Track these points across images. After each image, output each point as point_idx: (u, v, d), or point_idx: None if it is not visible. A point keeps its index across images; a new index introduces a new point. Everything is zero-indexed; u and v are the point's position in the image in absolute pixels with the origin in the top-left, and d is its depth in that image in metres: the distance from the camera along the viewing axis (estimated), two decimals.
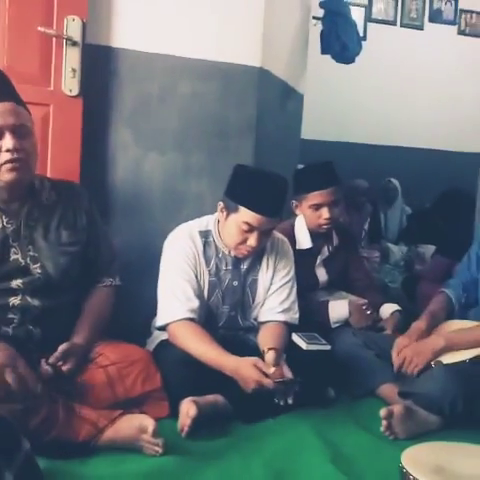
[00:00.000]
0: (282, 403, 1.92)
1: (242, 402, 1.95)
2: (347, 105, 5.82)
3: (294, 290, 2.30)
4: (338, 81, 5.59)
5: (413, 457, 1.59)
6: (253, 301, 2.25)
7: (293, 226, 2.63)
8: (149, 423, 1.74)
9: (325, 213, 2.55)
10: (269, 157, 2.85)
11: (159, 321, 2.14)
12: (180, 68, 2.61)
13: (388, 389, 2.21)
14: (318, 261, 2.69)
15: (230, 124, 2.69)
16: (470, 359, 2.07)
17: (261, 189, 2.05)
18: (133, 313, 2.34)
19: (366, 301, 2.60)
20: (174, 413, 1.94)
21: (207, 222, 2.24)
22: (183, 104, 2.64)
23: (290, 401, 1.92)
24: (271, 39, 2.80)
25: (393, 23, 6.19)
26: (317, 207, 2.55)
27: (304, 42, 3.59)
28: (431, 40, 6.20)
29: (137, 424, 1.75)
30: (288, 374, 1.92)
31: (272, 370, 1.89)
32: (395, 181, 5.37)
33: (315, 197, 2.55)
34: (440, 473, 1.50)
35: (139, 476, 1.64)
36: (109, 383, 1.89)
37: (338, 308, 2.55)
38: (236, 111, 2.69)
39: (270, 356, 1.98)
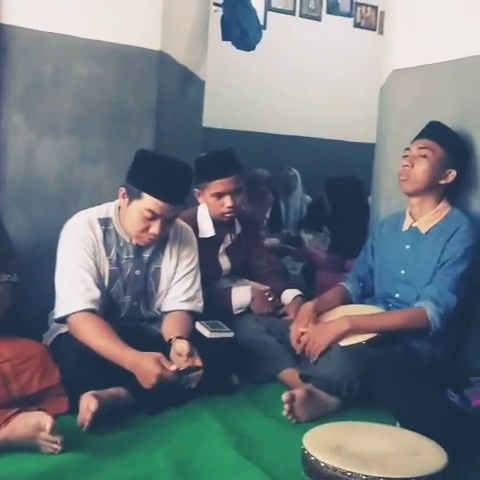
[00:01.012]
0: (187, 388, 1.91)
1: (145, 394, 1.91)
2: (248, 94, 5.86)
3: (198, 279, 2.28)
4: (239, 69, 5.62)
5: (314, 438, 1.63)
6: (156, 290, 2.22)
7: (196, 214, 2.61)
8: (46, 420, 1.67)
9: (227, 201, 2.54)
10: (170, 144, 2.80)
11: (58, 312, 2.06)
12: (75, 48, 2.51)
13: (290, 374, 2.26)
14: (221, 249, 2.69)
15: (129, 108, 2.62)
16: (366, 341, 2.15)
17: (165, 175, 2.01)
18: (28, 308, 2.23)
19: (268, 287, 2.64)
20: (75, 408, 1.87)
21: (107, 209, 2.17)
22: (79, 86, 2.53)
23: (193, 385, 1.92)
24: (171, 22, 2.75)
25: (292, 13, 6.30)
26: (219, 195, 2.55)
27: (204, 27, 3.56)
28: (328, 31, 6.36)
29: (34, 422, 1.68)
30: (197, 362, 1.92)
31: (173, 367, 1.86)
32: (295, 170, 5.48)
33: (217, 185, 2.54)
34: (338, 452, 1.55)
35: (36, 476, 1.58)
36: (3, 381, 1.80)
37: (240, 295, 2.57)
38: (135, 95, 2.62)
39: (184, 345, 1.95)
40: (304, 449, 1.58)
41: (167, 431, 1.88)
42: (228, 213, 2.57)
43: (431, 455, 1.56)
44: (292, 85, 6.11)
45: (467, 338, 2.32)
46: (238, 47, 3.93)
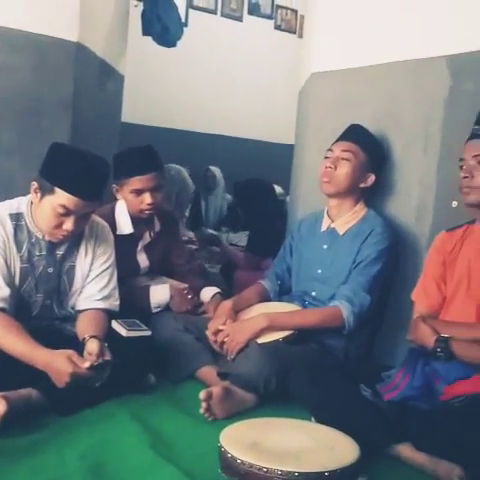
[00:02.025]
0: (97, 385, 1.87)
1: (57, 394, 1.85)
2: (170, 90, 5.81)
3: (114, 276, 2.23)
4: (161, 66, 5.56)
5: (230, 435, 1.64)
6: (70, 289, 2.15)
7: (114, 210, 2.56)
8: None
9: (147, 198, 2.50)
10: (86, 138, 2.73)
11: None
12: None
13: (207, 371, 2.25)
14: (139, 246, 2.65)
15: (44, 100, 2.53)
16: (283, 338, 2.18)
17: (80, 170, 1.94)
18: None
19: (187, 285, 2.62)
20: None
21: (19, 204, 2.08)
22: None
23: (98, 384, 1.88)
24: (89, 14, 2.68)
25: (214, 12, 6.30)
26: (139, 192, 2.50)
27: (124, 21, 3.50)
28: (250, 32, 6.41)
29: None
30: (107, 357, 1.88)
31: (86, 364, 1.81)
32: (215, 169, 5.48)
33: (137, 182, 2.49)
34: (255, 448, 1.56)
35: None
36: None
37: (159, 293, 2.54)
38: (50, 87, 2.53)
39: (93, 345, 1.90)
40: (221, 446, 1.58)
41: (80, 432, 1.82)
42: (147, 210, 2.53)
43: (345, 449, 1.60)
44: (214, 83, 6.11)
45: (379, 335, 2.40)
46: (159, 43, 3.87)
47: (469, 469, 1.57)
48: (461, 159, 1.94)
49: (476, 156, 1.88)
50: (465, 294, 1.91)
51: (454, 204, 2.17)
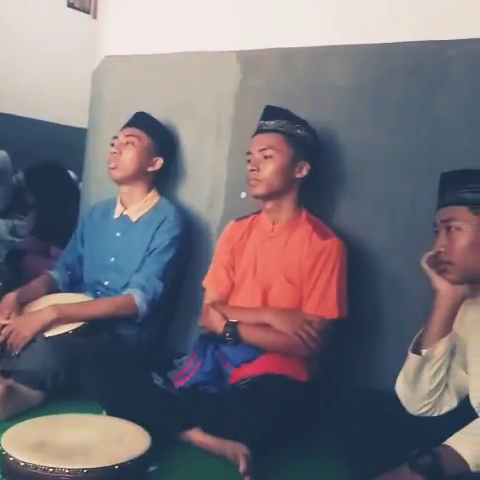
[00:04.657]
0: None
1: None
2: None
3: None
4: None
5: (13, 437, 1.54)
6: None
7: None
8: None
9: None
10: None
11: None
12: None
13: None
14: None
15: None
16: (73, 330, 2.09)
17: None
18: None
19: None
20: None
21: None
22: None
23: None
24: None
25: None
26: None
27: None
28: (41, 5, 6.01)
29: None
30: None
31: None
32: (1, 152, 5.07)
33: None
34: (40, 448, 1.48)
35: None
36: None
37: None
38: None
39: None
40: (1, 450, 1.46)
41: None
42: None
43: (135, 439, 1.59)
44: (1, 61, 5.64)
45: (173, 323, 2.43)
46: None
47: (254, 447, 1.65)
48: (248, 152, 2.02)
49: (262, 150, 1.97)
50: (252, 281, 2.01)
51: (243, 195, 2.27)
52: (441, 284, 1.50)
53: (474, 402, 1.46)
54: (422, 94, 1.99)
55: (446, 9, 1.94)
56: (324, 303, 1.87)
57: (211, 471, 1.67)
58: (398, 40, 2.02)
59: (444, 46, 1.94)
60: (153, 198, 2.38)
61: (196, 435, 1.75)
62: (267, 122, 2.02)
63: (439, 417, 1.51)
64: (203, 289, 2.13)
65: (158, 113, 2.40)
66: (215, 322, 1.93)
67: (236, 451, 1.64)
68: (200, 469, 1.68)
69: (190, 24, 2.46)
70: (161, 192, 2.41)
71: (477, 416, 1.41)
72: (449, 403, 1.52)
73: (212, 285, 2.09)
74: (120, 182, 2.36)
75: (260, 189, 1.97)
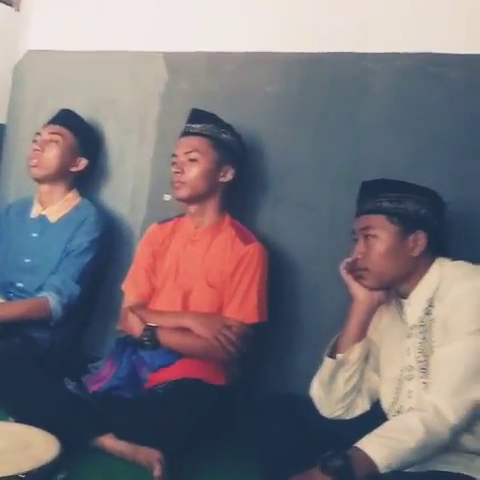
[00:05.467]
0: None
1: None
2: None
3: None
4: None
5: None
6: None
7: None
8: None
9: None
10: None
11: None
12: None
13: None
14: None
15: None
16: None
17: None
18: None
19: None
20: None
21: None
22: None
23: None
24: None
25: None
26: None
27: None
28: None
29: None
30: None
31: None
32: None
33: None
34: None
35: None
36: None
37: None
38: None
39: None
40: None
41: None
42: None
43: (43, 447, 1.53)
44: None
45: (90, 327, 2.36)
46: None
47: (169, 452, 1.62)
48: (173, 155, 2.00)
49: (187, 153, 1.96)
50: (173, 284, 1.99)
51: (166, 198, 2.25)
52: (358, 290, 1.53)
53: (385, 405, 1.50)
54: (345, 104, 2.04)
55: (369, 22, 2.00)
56: (244, 307, 1.87)
57: (124, 478, 1.63)
58: (324, 50, 2.06)
59: (366, 58, 2.00)
60: (73, 199, 2.31)
61: (109, 441, 1.70)
62: (193, 125, 2.01)
63: (351, 420, 1.54)
64: (122, 293, 2.08)
65: (81, 111, 2.35)
66: (133, 326, 1.89)
67: (150, 457, 1.61)
68: (113, 476, 1.63)
69: (117, 23, 2.42)
70: (82, 193, 2.35)
71: (387, 419, 1.44)
72: (361, 406, 1.55)
73: (132, 288, 2.04)
74: (40, 181, 2.29)
75: (184, 192, 1.96)
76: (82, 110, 2.36)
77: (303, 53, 2.09)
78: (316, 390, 1.56)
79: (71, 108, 2.34)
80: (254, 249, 1.92)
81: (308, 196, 2.07)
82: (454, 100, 1.88)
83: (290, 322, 2.06)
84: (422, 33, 1.91)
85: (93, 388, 1.79)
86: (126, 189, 2.37)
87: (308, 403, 1.56)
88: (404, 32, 1.94)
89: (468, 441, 1.35)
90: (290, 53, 2.11)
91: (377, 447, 1.25)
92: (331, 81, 2.06)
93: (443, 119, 1.89)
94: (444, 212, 1.56)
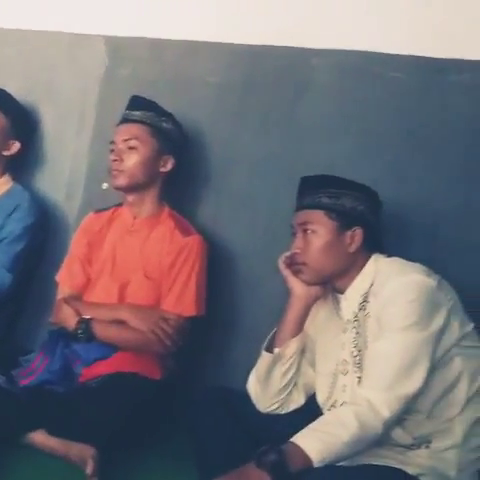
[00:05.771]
0: None
1: None
2: None
3: None
4: None
5: None
6: None
7: None
8: None
9: None
10: None
11: None
12: None
13: None
14: None
15: None
16: None
17: None
18: None
19: None
20: None
21: None
22: None
23: None
24: None
25: None
26: None
27: None
28: None
29: None
30: None
31: None
32: None
33: None
34: None
35: None
36: None
37: None
38: None
39: None
40: None
41: None
42: None
43: None
44: None
45: (22, 318, 2.28)
46: None
47: (102, 448, 1.59)
48: (112, 142, 1.95)
49: (126, 140, 1.92)
50: (109, 276, 1.94)
51: (104, 186, 2.19)
52: (295, 284, 1.54)
53: (320, 399, 1.52)
54: (287, 98, 2.04)
55: (315, 18, 2.00)
56: (182, 300, 1.85)
57: (55, 475, 1.59)
58: (268, 43, 2.05)
59: (310, 54, 2.00)
60: (5, 184, 2.22)
61: (39, 437, 1.64)
62: (133, 112, 1.96)
63: (287, 414, 1.55)
64: (56, 283, 2.01)
65: (14, 92, 2.24)
66: (67, 318, 1.84)
67: (82, 453, 1.57)
68: (44, 473, 1.59)
69: (58, 2, 2.34)
70: (15, 178, 2.26)
71: (322, 413, 1.46)
72: (297, 401, 1.57)
73: (66, 279, 1.99)
74: None
75: (122, 180, 1.92)
76: (16, 91, 2.25)
77: (247, 45, 2.08)
78: (253, 384, 1.57)
79: (4, 88, 2.24)
80: (193, 241, 1.90)
81: (249, 189, 2.07)
82: (395, 99, 1.92)
83: (228, 316, 2.06)
84: (365, 32, 1.93)
85: (23, 382, 1.73)
86: (62, 176, 2.29)
87: (245, 397, 1.56)
88: (348, 30, 1.96)
89: (398, 435, 1.37)
90: (234, 44, 2.09)
91: (312, 441, 1.26)
92: (274, 75, 2.06)
93: (384, 117, 1.93)
94: (381, 209, 1.59)
